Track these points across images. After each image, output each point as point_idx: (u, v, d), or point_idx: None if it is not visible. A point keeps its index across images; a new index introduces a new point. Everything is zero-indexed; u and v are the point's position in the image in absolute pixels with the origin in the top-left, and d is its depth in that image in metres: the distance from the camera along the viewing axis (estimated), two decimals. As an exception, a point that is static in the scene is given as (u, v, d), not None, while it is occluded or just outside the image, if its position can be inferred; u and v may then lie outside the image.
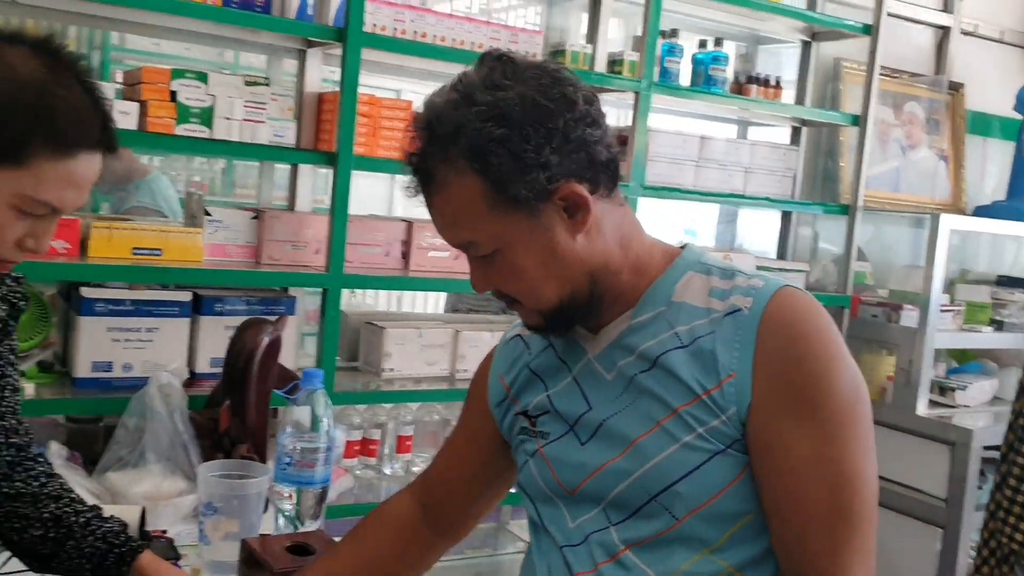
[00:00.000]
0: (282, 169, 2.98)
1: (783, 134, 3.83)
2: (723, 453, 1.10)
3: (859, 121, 3.53)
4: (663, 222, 3.77)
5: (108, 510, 1.56)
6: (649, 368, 1.14)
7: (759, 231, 3.97)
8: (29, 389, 2.16)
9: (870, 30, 3.51)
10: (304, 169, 2.75)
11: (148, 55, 4.65)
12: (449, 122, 1.09)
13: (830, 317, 1.14)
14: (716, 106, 3.47)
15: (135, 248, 2.27)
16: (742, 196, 3.39)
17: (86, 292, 2.20)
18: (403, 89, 4.31)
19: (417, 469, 2.81)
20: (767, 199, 3.42)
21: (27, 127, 1.09)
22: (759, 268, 3.35)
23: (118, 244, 2.25)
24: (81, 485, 1.86)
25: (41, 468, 1.43)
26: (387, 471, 2.74)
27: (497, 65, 1.12)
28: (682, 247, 1.23)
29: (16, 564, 1.53)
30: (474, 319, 3.05)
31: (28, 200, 1.12)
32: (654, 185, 3.10)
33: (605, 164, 1.13)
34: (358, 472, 2.65)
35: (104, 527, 1.40)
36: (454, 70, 2.70)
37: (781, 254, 3.79)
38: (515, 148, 1.07)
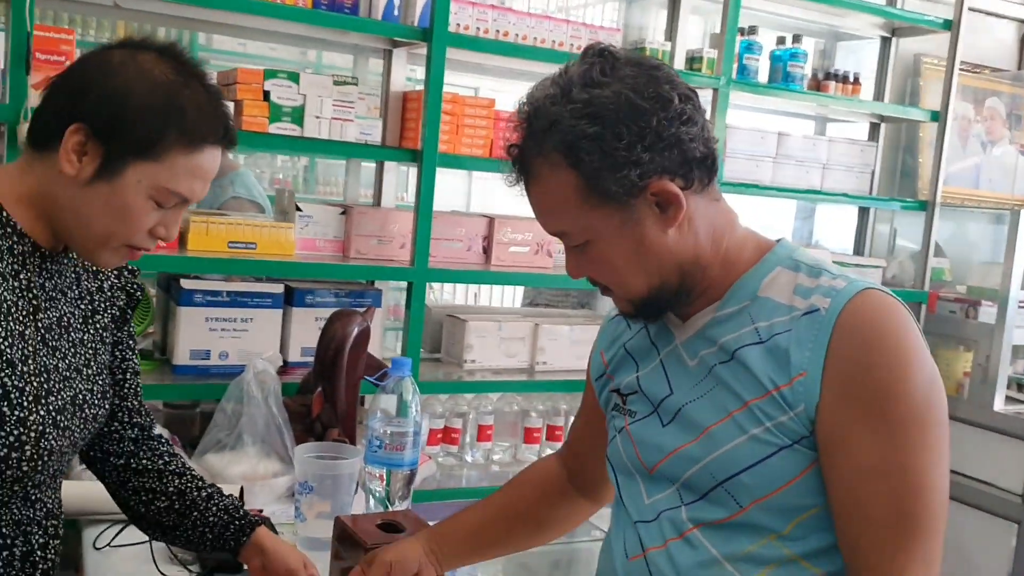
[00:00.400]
0: (367, 167, 3.07)
1: (861, 130, 3.82)
2: (790, 448, 1.11)
3: (939, 117, 3.50)
4: (740, 218, 3.78)
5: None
6: (727, 360, 1.17)
7: (836, 227, 3.97)
8: (132, 375, 2.28)
9: (951, 25, 3.48)
10: (389, 166, 2.84)
11: (235, 55, 4.81)
12: (545, 117, 1.11)
13: (910, 320, 1.13)
14: (794, 103, 3.47)
15: (231, 242, 2.38)
16: (819, 192, 3.39)
17: (185, 283, 2.32)
18: (480, 87, 4.39)
19: (497, 457, 2.89)
20: (845, 195, 3.42)
21: (163, 124, 1.19)
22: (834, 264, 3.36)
23: (215, 238, 2.37)
24: (183, 466, 1.97)
25: (164, 448, 1.54)
26: (468, 459, 2.82)
27: (597, 61, 1.13)
28: (777, 241, 1.24)
29: (131, 535, 1.64)
30: (553, 313, 3.11)
31: (163, 191, 1.22)
32: (732, 181, 3.13)
33: (700, 160, 1.15)
34: (440, 459, 2.73)
35: (225, 501, 1.51)
36: (533, 67, 2.80)
37: (858, 250, 3.78)
38: (607, 146, 1.09)
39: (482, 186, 4.12)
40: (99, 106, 1.18)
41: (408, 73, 2.87)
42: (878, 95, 3.75)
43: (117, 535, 1.73)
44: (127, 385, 1.49)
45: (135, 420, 1.51)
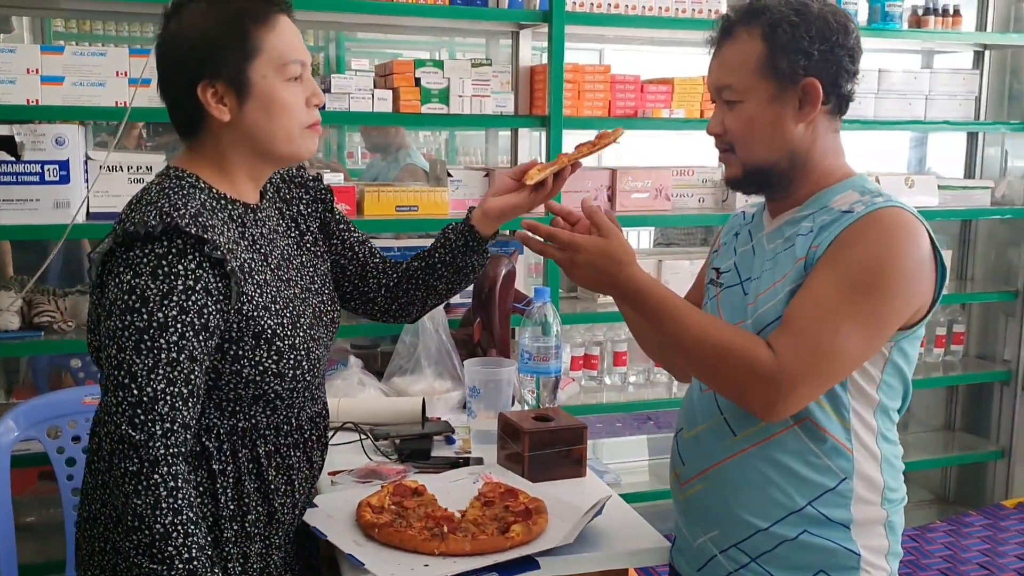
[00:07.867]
0: (503, 136, 3.51)
1: (966, 59, 4.00)
2: None
3: (1043, 40, 3.67)
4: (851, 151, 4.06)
5: (398, 402, 2.21)
6: (789, 247, 1.55)
7: (947, 153, 4.18)
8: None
9: (1049, -52, 3.63)
10: (523, 132, 3.27)
11: (377, 43, 5.35)
12: (764, 4, 1.52)
13: (918, 235, 1.45)
14: (895, 40, 3.69)
15: (398, 206, 2.86)
16: (923, 122, 3.63)
17: (365, 243, 2.82)
18: (599, 54, 4.74)
19: (633, 379, 3.31)
20: (947, 122, 3.65)
21: (238, 25, 1.44)
22: (943, 188, 3.61)
23: (384, 204, 2.86)
24: (376, 387, 2.47)
25: (400, 266, 1.85)
26: (607, 381, 3.25)
27: None
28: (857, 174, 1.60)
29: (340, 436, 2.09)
30: (675, 251, 3.49)
31: (282, 67, 1.46)
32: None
33: (842, 92, 1.53)
34: (583, 383, 3.17)
35: (440, 239, 1.84)
36: (643, 34, 3.14)
37: (968, 173, 3.99)
38: (798, 33, 1.48)
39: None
40: (192, 58, 1.43)
41: (535, 48, 3.28)
42: (981, 23, 3.91)
43: (333, 435, 2.20)
44: (362, 253, 1.81)
45: (387, 270, 1.84)
